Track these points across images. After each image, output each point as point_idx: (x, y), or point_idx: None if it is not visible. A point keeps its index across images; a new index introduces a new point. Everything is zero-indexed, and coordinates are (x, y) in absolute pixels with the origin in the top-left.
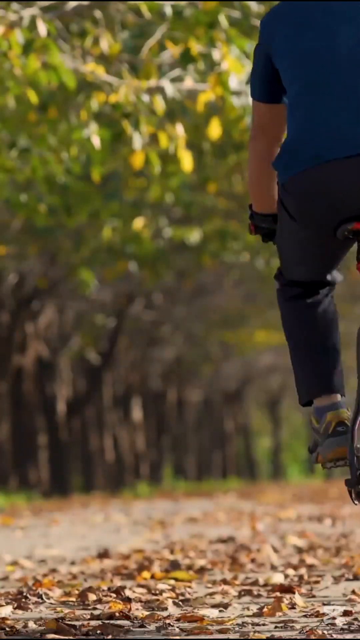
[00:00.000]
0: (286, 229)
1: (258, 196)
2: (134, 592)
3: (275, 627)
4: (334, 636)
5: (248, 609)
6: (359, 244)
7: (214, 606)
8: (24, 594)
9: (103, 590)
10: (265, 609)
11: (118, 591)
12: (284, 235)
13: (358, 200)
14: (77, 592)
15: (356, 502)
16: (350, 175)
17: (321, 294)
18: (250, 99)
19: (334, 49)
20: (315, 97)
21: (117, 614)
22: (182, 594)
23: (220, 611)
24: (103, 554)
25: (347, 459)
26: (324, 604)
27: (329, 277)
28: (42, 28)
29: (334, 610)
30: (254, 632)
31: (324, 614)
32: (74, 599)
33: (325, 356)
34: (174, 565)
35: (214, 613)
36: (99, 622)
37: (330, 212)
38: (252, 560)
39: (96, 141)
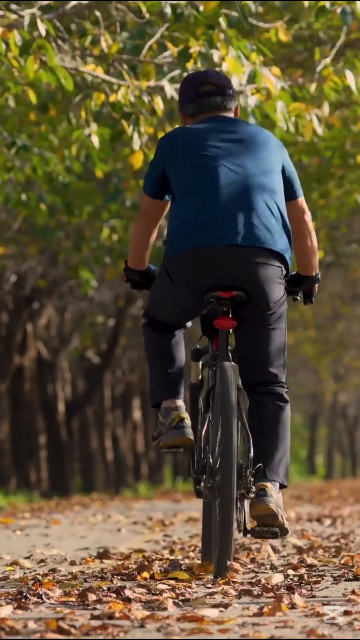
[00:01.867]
0: (163, 285)
1: (133, 257)
2: (134, 592)
3: (275, 627)
4: (334, 636)
5: (248, 609)
6: (219, 306)
7: (214, 606)
8: (24, 594)
9: (103, 590)
10: (265, 609)
11: (118, 591)
12: (160, 287)
13: (219, 276)
14: (77, 592)
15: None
16: (215, 258)
17: (176, 333)
18: (249, 100)
19: (213, 167)
20: (196, 200)
21: (117, 614)
22: (182, 594)
23: (220, 611)
24: (103, 554)
25: (182, 446)
26: (324, 604)
27: (185, 325)
28: (41, 28)
29: (334, 610)
30: (254, 632)
31: (324, 614)
32: (74, 599)
33: (174, 372)
34: (174, 565)
35: (214, 613)
36: (99, 622)
37: (201, 283)
38: (252, 560)
39: (95, 140)
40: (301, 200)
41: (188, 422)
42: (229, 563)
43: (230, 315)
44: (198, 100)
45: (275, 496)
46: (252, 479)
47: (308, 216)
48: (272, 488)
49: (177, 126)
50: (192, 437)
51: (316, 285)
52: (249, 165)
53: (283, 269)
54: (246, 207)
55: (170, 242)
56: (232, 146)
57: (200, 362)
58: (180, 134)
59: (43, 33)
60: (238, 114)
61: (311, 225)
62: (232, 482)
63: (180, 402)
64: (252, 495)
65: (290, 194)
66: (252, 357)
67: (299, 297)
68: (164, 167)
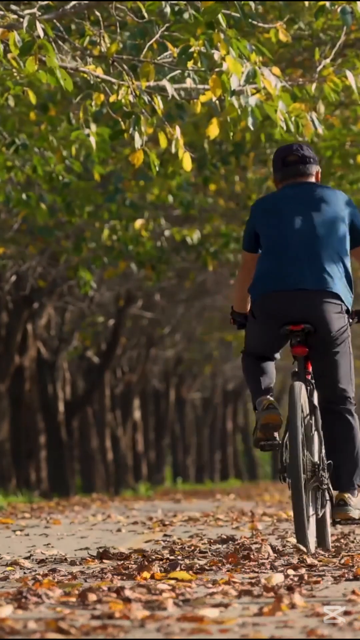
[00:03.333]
0: (252, 324)
1: (237, 302)
2: (134, 592)
3: (276, 627)
4: (334, 636)
5: (248, 609)
6: (292, 337)
7: (214, 606)
8: (24, 594)
9: (103, 590)
10: (265, 609)
11: (118, 591)
12: (250, 328)
13: (290, 314)
14: (77, 592)
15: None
16: (286, 300)
17: (267, 361)
18: (249, 100)
19: (285, 228)
20: (273, 254)
21: (117, 614)
22: (182, 594)
23: (220, 611)
24: (103, 554)
25: (271, 423)
26: (324, 604)
27: (273, 356)
28: (40, 30)
29: (334, 610)
30: (254, 632)
31: (324, 614)
32: (74, 599)
33: (265, 380)
34: (174, 565)
35: (214, 613)
36: (99, 622)
37: (276, 319)
38: (252, 561)
39: (92, 141)
40: None
41: (276, 405)
42: (311, 544)
43: (303, 344)
44: (284, 169)
45: (354, 503)
46: (323, 474)
47: None
48: (350, 497)
49: (176, 126)
50: (279, 415)
51: None
52: (316, 223)
53: (343, 305)
54: (311, 257)
55: (252, 288)
56: (304, 207)
57: None
58: (267, 199)
59: (41, 35)
60: (319, 177)
61: None
62: (299, 470)
63: (270, 396)
64: (327, 498)
65: (357, 241)
66: (323, 376)
67: None
68: (254, 226)
